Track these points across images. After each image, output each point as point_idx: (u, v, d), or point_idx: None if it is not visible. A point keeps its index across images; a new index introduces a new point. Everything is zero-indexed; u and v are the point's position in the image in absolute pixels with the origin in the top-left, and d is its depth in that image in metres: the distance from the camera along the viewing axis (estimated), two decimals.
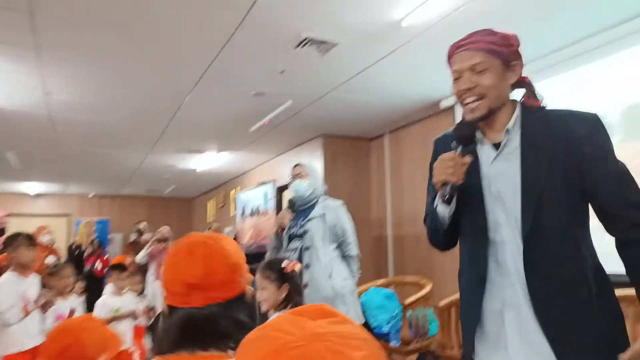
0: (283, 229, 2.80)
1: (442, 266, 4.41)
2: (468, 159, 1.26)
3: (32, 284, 2.68)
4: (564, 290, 1.20)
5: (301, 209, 2.81)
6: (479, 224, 1.30)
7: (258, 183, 5.82)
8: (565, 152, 1.22)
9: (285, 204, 2.95)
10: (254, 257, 5.82)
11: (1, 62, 3.28)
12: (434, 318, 3.45)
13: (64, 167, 7.26)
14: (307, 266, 2.63)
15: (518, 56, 1.30)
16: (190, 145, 6.01)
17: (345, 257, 2.74)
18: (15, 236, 2.65)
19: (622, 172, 1.23)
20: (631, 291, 1.22)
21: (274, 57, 3.29)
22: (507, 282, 1.25)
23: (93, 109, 4.39)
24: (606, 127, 1.25)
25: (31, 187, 9.34)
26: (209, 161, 6.85)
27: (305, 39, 2.99)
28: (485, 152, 1.32)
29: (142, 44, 3.08)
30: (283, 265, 1.93)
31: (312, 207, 2.77)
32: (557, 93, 3.26)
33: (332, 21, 2.79)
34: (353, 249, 2.78)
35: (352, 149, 5.59)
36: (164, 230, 5.00)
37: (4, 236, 3.30)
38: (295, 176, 2.82)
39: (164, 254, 5.73)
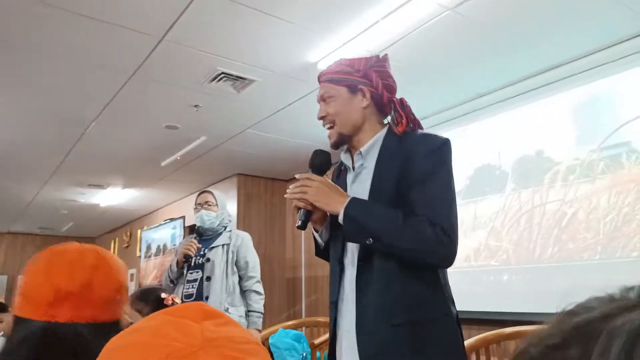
0: (186, 259, 2.63)
1: None
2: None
3: None
4: (381, 313, 1.20)
5: (205, 238, 2.68)
6: (335, 249, 1.36)
7: (166, 220, 5.51)
8: (403, 171, 1.25)
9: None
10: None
11: None
12: None
13: None
14: (207, 299, 2.50)
15: (367, 79, 1.33)
16: (92, 179, 5.57)
17: (244, 292, 2.61)
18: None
19: (435, 197, 1.22)
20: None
21: (188, 89, 3.19)
22: (345, 308, 1.29)
23: None
24: (450, 154, 1.29)
25: None
26: (113, 197, 6.39)
27: (221, 74, 2.95)
28: (350, 176, 1.39)
29: (37, 65, 2.83)
30: (162, 296, 1.63)
31: (217, 236, 2.65)
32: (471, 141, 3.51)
33: (249, 58, 2.78)
34: (254, 285, 2.65)
35: (269, 189, 5.54)
36: None
37: None
38: (202, 204, 2.70)
39: None
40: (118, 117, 3.66)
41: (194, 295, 2.58)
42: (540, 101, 3.05)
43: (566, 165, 2.87)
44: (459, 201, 3.34)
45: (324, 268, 4.89)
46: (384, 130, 1.35)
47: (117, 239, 8.94)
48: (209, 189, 2.82)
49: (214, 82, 3.05)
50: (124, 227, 8.67)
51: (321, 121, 1.40)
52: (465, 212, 3.38)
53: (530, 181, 3.04)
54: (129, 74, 2.96)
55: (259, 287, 2.62)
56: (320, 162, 1.38)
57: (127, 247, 8.38)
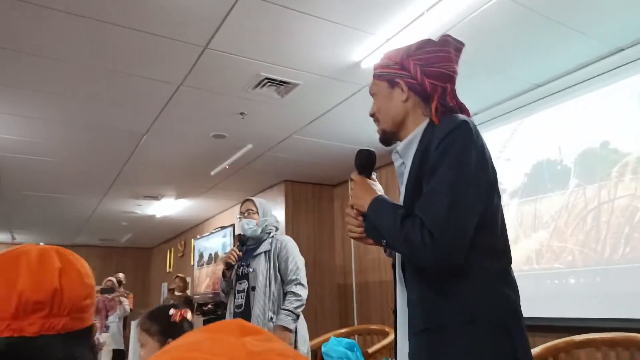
0: (229, 268, 2.62)
1: None
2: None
3: None
4: (406, 323, 1.17)
5: (250, 247, 2.66)
6: (394, 254, 1.31)
7: (216, 228, 5.60)
8: (423, 164, 1.16)
9: None
10: (215, 306, 5.52)
11: None
12: None
13: (8, 214, 6.80)
14: (252, 308, 2.49)
15: (404, 70, 1.25)
16: (147, 190, 5.77)
17: (285, 293, 2.54)
18: None
19: (430, 194, 1.10)
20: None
21: (233, 97, 3.22)
22: (398, 316, 1.24)
23: (40, 150, 4.16)
24: (465, 135, 1.12)
25: None
26: (167, 208, 6.60)
27: (264, 79, 2.95)
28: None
29: (93, 82, 2.95)
30: (170, 313, 1.51)
31: (260, 244, 2.63)
32: (522, 133, 3.32)
33: (291, 61, 2.76)
34: (293, 287, 2.53)
35: (316, 195, 5.51)
36: (120, 276, 4.73)
37: None
38: (243, 213, 2.69)
39: (113, 304, 5.35)
40: (168, 129, 3.75)
41: (242, 305, 2.57)
42: (603, 89, 2.82)
43: (636, 157, 2.63)
44: (516, 200, 3.19)
45: (374, 274, 4.78)
46: (424, 123, 1.24)
47: (172, 249, 9.23)
48: (251, 197, 2.80)
49: (257, 88, 3.06)
50: (178, 236, 8.94)
51: (372, 119, 1.37)
52: (525, 212, 3.18)
53: (596, 176, 2.81)
54: (176, 85, 3.02)
55: (298, 289, 2.52)
56: (360, 163, 1.32)
57: (182, 256, 8.63)
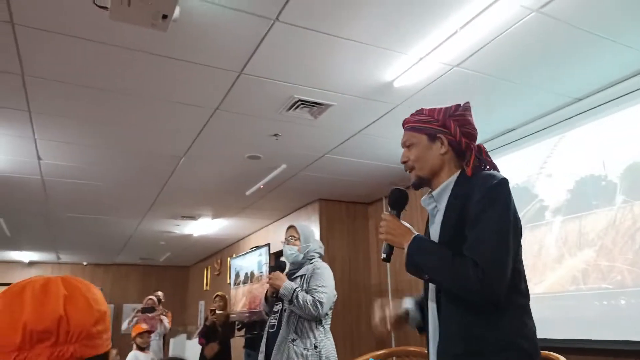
0: (275, 293, 2.65)
1: None
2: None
3: None
4: (446, 344, 1.32)
5: (290, 271, 2.70)
6: (425, 286, 1.48)
7: (252, 248, 5.65)
8: (463, 211, 1.33)
9: None
10: (250, 325, 5.54)
11: None
12: None
13: (55, 235, 7.10)
14: (280, 329, 2.52)
15: (446, 128, 1.45)
16: (184, 211, 5.91)
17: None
18: None
19: (480, 238, 1.27)
20: None
21: (267, 119, 3.27)
22: (430, 342, 1.40)
23: (84, 174, 4.34)
24: (505, 192, 1.32)
25: (25, 256, 9.12)
26: (204, 227, 6.72)
27: (297, 101, 2.98)
28: (430, 219, 1.51)
29: (132, 110, 3.07)
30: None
31: (300, 268, 2.66)
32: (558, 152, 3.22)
33: (324, 83, 2.79)
34: (315, 296, 2.48)
35: (350, 213, 5.48)
36: (159, 294, 4.83)
37: None
38: (287, 239, 2.74)
39: (154, 323, 5.45)
40: (204, 151, 3.85)
41: (275, 326, 2.59)
42: None
43: None
44: (559, 217, 3.08)
45: (411, 293, 4.68)
46: (457, 174, 1.45)
47: (209, 267, 9.37)
48: (294, 223, 2.83)
49: (291, 110, 3.10)
50: (214, 255, 9.07)
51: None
52: (570, 229, 3.06)
53: None
54: (213, 109, 3.10)
55: (318, 297, 2.46)
56: (394, 201, 1.51)
57: (218, 274, 8.74)
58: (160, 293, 6.55)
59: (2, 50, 2.38)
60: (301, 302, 2.42)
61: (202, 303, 9.31)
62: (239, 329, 5.67)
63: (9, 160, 3.93)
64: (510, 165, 3.48)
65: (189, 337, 8.51)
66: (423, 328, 1.54)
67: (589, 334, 2.85)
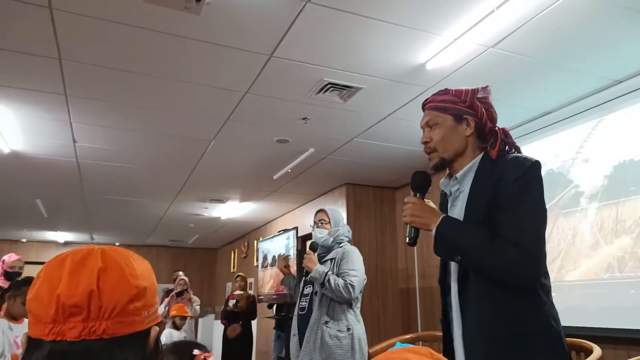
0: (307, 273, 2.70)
1: None
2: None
3: (22, 331, 2.57)
4: (481, 327, 1.29)
5: (320, 254, 2.73)
6: (444, 269, 1.47)
7: (279, 231, 5.71)
8: (494, 193, 1.32)
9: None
10: (279, 307, 5.63)
11: (33, 109, 3.36)
12: None
13: (88, 216, 7.33)
14: (310, 312, 2.56)
15: (473, 110, 1.43)
16: (213, 194, 6.00)
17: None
18: (19, 285, 2.56)
19: (520, 220, 1.27)
20: None
21: (296, 103, 3.27)
22: (454, 324, 1.39)
23: (117, 157, 4.45)
24: (540, 174, 1.32)
25: (61, 236, 9.47)
26: (232, 210, 6.82)
27: (327, 84, 2.97)
28: (449, 200, 1.50)
29: (165, 93, 3.12)
30: (195, 352, 1.37)
31: (330, 252, 2.69)
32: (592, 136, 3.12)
33: (355, 65, 2.76)
34: (347, 279, 2.49)
35: (377, 198, 5.46)
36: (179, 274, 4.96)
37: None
38: (316, 223, 2.76)
39: (185, 305, 5.60)
40: (234, 134, 3.88)
41: (306, 308, 2.63)
42: None
43: None
44: (595, 204, 3.00)
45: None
46: (480, 156, 1.43)
47: (236, 250, 9.53)
48: (324, 207, 2.86)
49: (320, 93, 3.09)
50: (242, 238, 9.21)
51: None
52: (606, 216, 2.97)
53: None
54: (242, 93, 3.12)
55: (350, 281, 2.47)
56: (417, 184, 1.47)
57: (245, 257, 8.88)
58: (180, 272, 6.61)
59: (41, 35, 2.44)
60: (333, 285, 2.44)
61: (229, 285, 9.50)
62: (269, 307, 5.76)
63: (45, 143, 4.06)
64: (544, 149, 3.39)
65: (217, 318, 8.72)
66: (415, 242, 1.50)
67: (623, 323, 2.78)
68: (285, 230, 5.51)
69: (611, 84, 2.95)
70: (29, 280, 2.59)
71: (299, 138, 3.96)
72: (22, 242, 9.82)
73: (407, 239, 1.46)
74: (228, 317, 5.70)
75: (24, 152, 4.27)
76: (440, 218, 1.36)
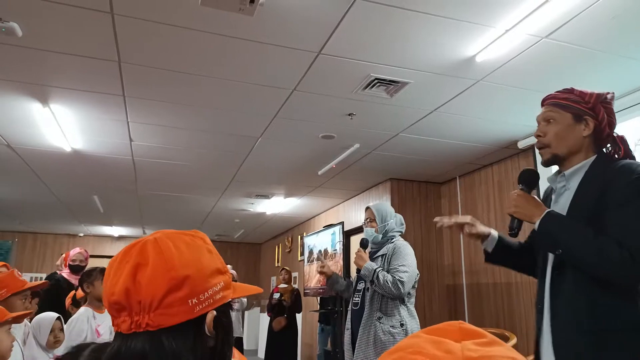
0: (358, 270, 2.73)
1: (526, 319, 4.02)
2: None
3: (104, 321, 2.73)
4: (573, 320, 1.33)
5: (372, 250, 2.74)
6: (539, 259, 1.52)
7: (325, 226, 5.77)
8: (601, 195, 1.35)
9: (353, 248, 2.88)
10: (324, 301, 5.71)
11: (92, 109, 3.56)
12: None
13: (141, 212, 7.67)
14: (363, 307, 2.58)
15: (594, 112, 1.45)
16: (258, 190, 6.13)
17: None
18: (91, 271, 2.72)
19: (627, 223, 1.29)
20: None
21: (343, 99, 3.30)
22: (545, 313, 1.43)
23: (170, 154, 4.63)
24: None
25: (115, 231, 9.95)
26: (277, 206, 6.94)
27: (374, 80, 2.97)
28: (553, 196, 1.54)
29: (217, 92, 3.22)
30: None
31: (382, 248, 2.69)
32: None
33: (402, 60, 2.75)
34: (397, 275, 2.49)
35: (422, 193, 5.41)
36: (229, 269, 5.08)
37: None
38: (365, 221, 2.78)
39: None
40: (280, 132, 3.96)
41: (359, 304, 2.65)
42: None
43: None
44: None
45: (487, 275, 4.57)
46: (592, 158, 1.46)
47: (280, 245, 9.69)
48: (370, 204, 2.86)
49: (367, 88, 3.10)
50: (285, 233, 9.36)
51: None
52: None
53: None
54: (290, 90, 3.18)
55: (399, 277, 2.47)
56: (524, 178, 1.53)
57: (289, 251, 9.02)
58: (229, 266, 6.79)
59: (102, 39, 2.58)
60: (382, 282, 2.46)
61: (273, 278, 9.68)
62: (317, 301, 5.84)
63: (104, 142, 4.28)
64: None
65: (262, 311, 8.91)
66: (490, 254, 1.64)
67: None
68: (331, 226, 5.56)
69: None
70: (93, 268, 2.76)
71: (344, 134, 3.98)
72: (80, 236, 10.38)
73: (509, 229, 1.50)
74: (273, 310, 5.82)
75: (84, 151, 4.53)
76: (545, 212, 1.40)
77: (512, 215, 1.49)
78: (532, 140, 3.92)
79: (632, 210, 1.30)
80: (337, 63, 2.79)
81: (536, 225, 1.40)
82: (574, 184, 1.45)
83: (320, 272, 2.95)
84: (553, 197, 1.54)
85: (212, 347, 0.69)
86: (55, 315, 2.39)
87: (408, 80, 2.99)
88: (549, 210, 1.42)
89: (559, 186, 1.50)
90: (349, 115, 3.57)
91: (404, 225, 2.81)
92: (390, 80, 2.99)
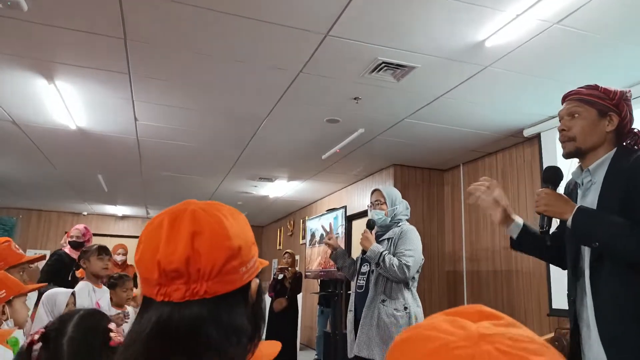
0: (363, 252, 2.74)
1: (526, 306, 4.04)
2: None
3: (103, 295, 2.78)
4: (617, 311, 1.36)
5: (378, 233, 2.75)
6: (570, 253, 1.55)
7: (328, 210, 5.79)
8: (627, 185, 1.39)
9: (355, 232, 2.88)
10: (325, 283, 5.75)
11: (97, 87, 3.55)
12: None
13: (145, 191, 7.70)
14: (367, 290, 2.59)
15: (618, 109, 1.50)
16: (262, 172, 6.14)
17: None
18: (88, 248, 2.79)
19: None
20: None
21: (349, 82, 3.28)
22: (584, 304, 1.47)
23: (175, 135, 4.63)
24: None
25: (119, 210, 10.01)
26: (280, 189, 6.95)
27: (381, 64, 2.95)
28: (580, 191, 1.57)
29: (222, 73, 3.20)
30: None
31: (388, 231, 2.69)
32: None
33: (410, 44, 2.72)
34: (402, 259, 2.50)
35: (425, 179, 5.41)
36: None
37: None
38: (373, 204, 2.77)
39: None
40: (285, 114, 3.94)
41: (363, 287, 2.67)
42: None
43: None
44: None
45: (487, 263, 4.59)
46: (614, 151, 1.51)
47: (282, 228, 9.74)
48: (379, 187, 2.85)
49: (374, 72, 3.08)
50: (288, 216, 9.39)
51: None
52: None
53: None
54: (296, 72, 3.15)
55: (405, 261, 2.48)
56: (549, 176, 1.57)
57: (291, 235, 9.07)
58: None
59: (108, 15, 2.56)
60: (388, 265, 2.47)
61: (275, 261, 9.75)
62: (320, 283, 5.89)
63: (109, 120, 4.28)
64: None
65: (264, 292, 8.99)
66: (515, 240, 1.67)
67: None
68: (334, 209, 5.57)
69: None
70: (92, 245, 2.81)
71: (349, 118, 3.97)
72: (84, 214, 10.45)
73: (540, 227, 1.55)
74: (275, 290, 5.88)
75: (89, 129, 4.53)
76: (576, 207, 1.44)
77: (541, 214, 1.53)
78: (539, 128, 3.90)
79: None
80: (345, 45, 2.76)
81: (569, 222, 1.44)
82: (599, 177, 1.50)
83: (327, 244, 2.95)
84: (579, 192, 1.58)
85: (254, 311, 0.72)
86: (70, 290, 2.44)
87: (416, 65, 2.97)
88: (579, 205, 1.46)
89: (586, 181, 1.55)
90: (355, 99, 3.55)
91: (409, 210, 2.81)
92: (397, 64, 2.97)
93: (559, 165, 1.64)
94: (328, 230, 3.08)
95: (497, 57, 2.80)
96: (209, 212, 0.70)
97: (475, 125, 4.01)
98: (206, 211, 0.70)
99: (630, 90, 1.55)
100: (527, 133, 3.99)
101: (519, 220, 1.68)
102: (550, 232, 1.57)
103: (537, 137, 3.95)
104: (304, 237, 7.40)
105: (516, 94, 3.33)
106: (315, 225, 5.87)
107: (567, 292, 1.59)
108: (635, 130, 1.52)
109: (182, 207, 0.71)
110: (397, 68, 3.02)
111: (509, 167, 4.44)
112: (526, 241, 1.67)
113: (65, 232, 4.26)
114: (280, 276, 5.87)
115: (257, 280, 0.73)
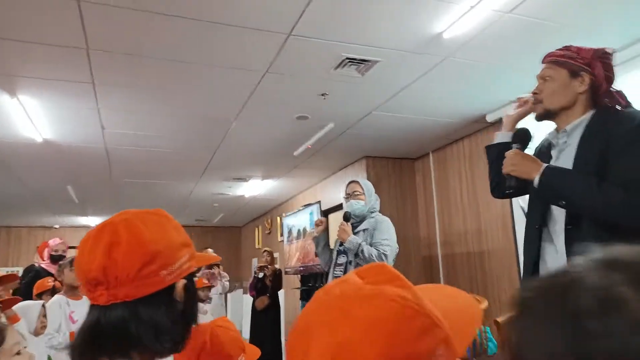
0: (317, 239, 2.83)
1: (498, 284, 4.22)
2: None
3: (80, 307, 2.77)
4: None
5: (353, 224, 2.82)
6: (533, 215, 1.54)
7: (303, 206, 5.85)
8: (606, 146, 1.37)
9: (332, 226, 2.94)
10: (305, 278, 5.83)
11: (62, 98, 3.51)
12: (492, 337, 3.28)
13: (118, 200, 7.58)
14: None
15: (589, 67, 1.46)
16: (235, 173, 6.14)
17: None
18: (63, 261, 2.79)
19: (630, 167, 1.32)
20: None
21: (315, 79, 3.33)
22: (551, 266, 1.45)
23: (143, 141, 4.59)
24: None
25: (91, 220, 9.81)
26: (255, 188, 6.97)
27: (345, 59, 3.02)
28: (554, 152, 1.56)
29: (188, 76, 3.21)
30: None
31: (363, 222, 2.77)
32: None
33: (371, 39, 2.80)
34: (379, 248, 2.60)
35: (397, 169, 5.53)
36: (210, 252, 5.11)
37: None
38: (350, 195, 2.83)
39: (212, 278, 5.82)
40: (255, 114, 3.97)
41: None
42: None
43: None
44: None
45: (461, 245, 4.75)
46: (591, 112, 1.48)
47: (260, 227, 9.75)
48: (356, 178, 2.94)
49: (339, 68, 3.14)
50: (264, 215, 9.41)
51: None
52: None
53: None
54: (262, 72, 3.19)
55: (383, 250, 2.58)
56: (518, 136, 1.58)
57: (269, 233, 9.09)
58: (210, 250, 6.73)
59: (69, 27, 2.54)
60: (367, 255, 2.55)
61: (254, 260, 9.76)
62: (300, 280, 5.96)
63: (75, 131, 4.22)
64: None
65: (245, 292, 9.00)
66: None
67: None
68: (309, 205, 5.64)
69: None
70: (67, 258, 2.81)
71: (318, 114, 4.03)
72: (55, 228, 10.20)
73: (507, 188, 1.53)
74: (256, 288, 5.92)
75: (55, 141, 4.45)
76: (544, 166, 1.43)
77: (509, 175, 1.51)
78: (501, 113, 4.04)
79: (634, 154, 1.32)
80: (308, 44, 2.82)
81: (536, 181, 1.42)
82: (575, 139, 1.47)
83: (316, 225, 3.07)
84: (553, 152, 1.56)
85: (182, 310, 0.78)
86: (40, 302, 2.44)
87: (378, 59, 3.05)
88: (546, 165, 1.44)
89: (561, 142, 1.52)
90: (322, 95, 3.61)
91: (379, 202, 2.91)
92: (360, 60, 3.04)
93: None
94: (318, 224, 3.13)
95: (456, 47, 2.91)
96: (132, 222, 0.77)
97: (441, 113, 4.13)
98: (128, 222, 0.77)
99: (611, 48, 1.50)
100: (490, 118, 4.13)
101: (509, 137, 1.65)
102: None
103: (500, 121, 4.09)
104: (281, 235, 7.44)
105: (477, 81, 3.46)
106: (292, 222, 5.92)
107: (522, 255, 1.56)
108: (614, 90, 1.47)
109: (112, 218, 0.79)
110: (361, 63, 3.09)
111: (475, 151, 4.59)
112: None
113: (37, 247, 4.20)
114: (261, 274, 5.91)
115: (184, 281, 0.79)
